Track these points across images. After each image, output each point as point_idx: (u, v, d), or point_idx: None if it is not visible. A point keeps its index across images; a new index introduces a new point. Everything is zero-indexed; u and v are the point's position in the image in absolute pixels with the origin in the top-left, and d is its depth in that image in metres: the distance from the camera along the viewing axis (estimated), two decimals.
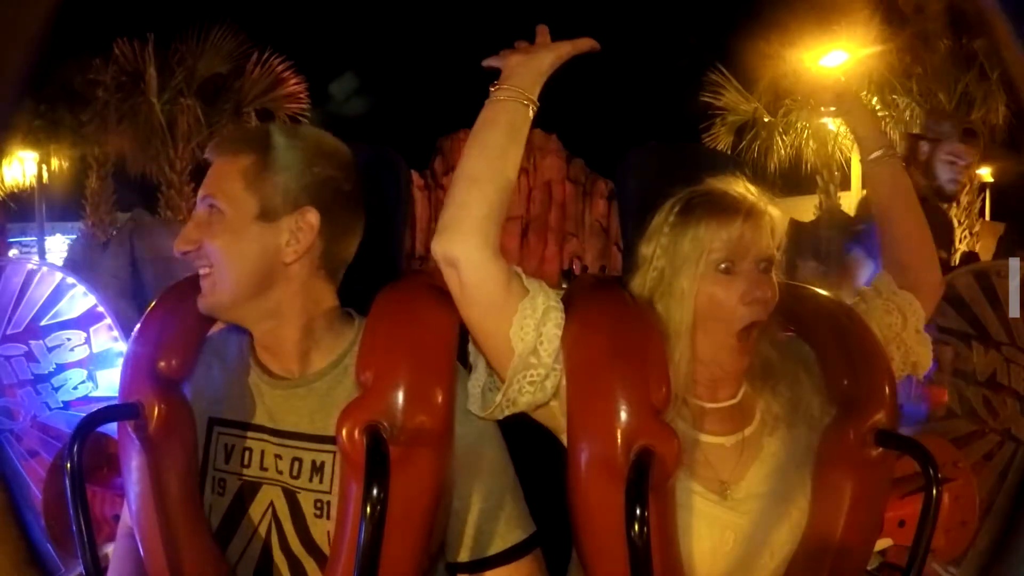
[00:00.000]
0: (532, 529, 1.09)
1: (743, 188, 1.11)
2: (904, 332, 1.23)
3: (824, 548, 1.06)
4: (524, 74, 1.07)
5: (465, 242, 1.01)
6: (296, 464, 1.07)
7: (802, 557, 1.08)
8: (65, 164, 10.78)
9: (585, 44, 1.12)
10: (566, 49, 1.10)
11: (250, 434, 1.10)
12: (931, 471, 0.98)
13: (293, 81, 11.11)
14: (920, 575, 0.99)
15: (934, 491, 0.98)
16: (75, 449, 0.96)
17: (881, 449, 1.05)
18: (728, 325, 1.07)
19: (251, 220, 1.04)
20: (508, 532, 1.07)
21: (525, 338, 1.03)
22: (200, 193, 1.07)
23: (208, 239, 1.04)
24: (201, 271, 1.06)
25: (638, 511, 0.86)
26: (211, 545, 1.08)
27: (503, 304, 1.03)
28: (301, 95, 11.16)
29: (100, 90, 10.29)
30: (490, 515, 1.07)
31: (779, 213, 1.11)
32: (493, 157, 1.04)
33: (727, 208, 1.08)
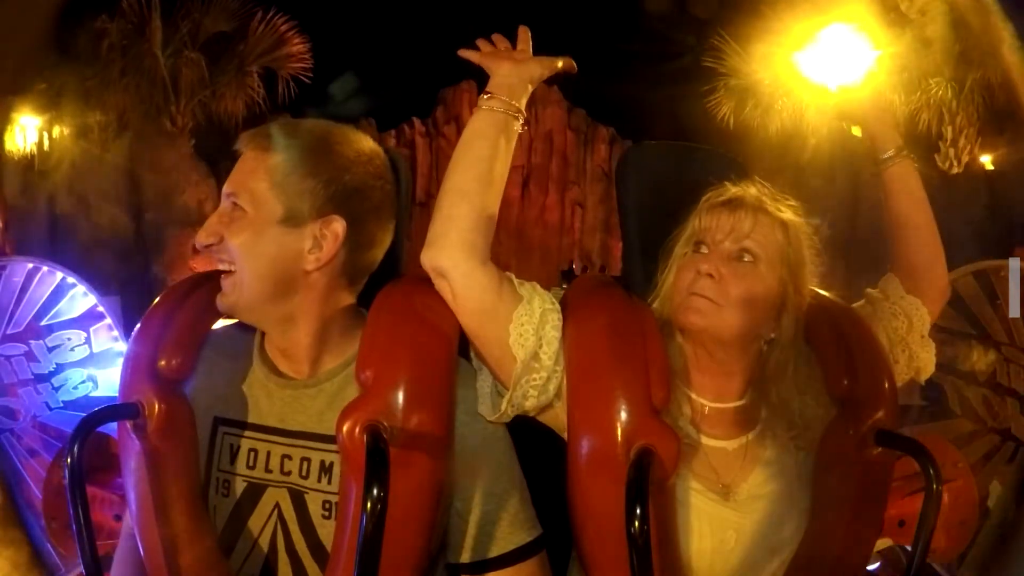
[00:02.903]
0: (537, 532, 1.08)
1: (752, 189, 1.12)
2: (909, 337, 1.24)
3: (824, 548, 1.06)
4: (516, 85, 1.10)
5: (452, 254, 1.03)
6: (305, 464, 1.06)
7: (802, 557, 1.08)
8: (67, 131, 10.68)
9: (570, 64, 1.17)
10: (555, 65, 1.15)
11: (257, 435, 1.09)
12: (931, 471, 0.98)
13: (296, 41, 11.12)
14: (920, 575, 0.99)
15: (934, 491, 0.98)
16: (75, 449, 0.96)
17: (881, 449, 1.05)
18: (680, 295, 1.09)
19: (274, 223, 1.03)
20: (511, 534, 1.06)
21: (526, 344, 1.03)
22: (226, 187, 1.05)
23: (229, 236, 1.03)
24: (222, 266, 1.05)
25: (638, 510, 0.86)
26: (212, 546, 1.08)
27: (495, 311, 1.04)
28: (304, 55, 11.15)
29: (105, 44, 10.22)
30: (493, 517, 1.06)
31: (777, 221, 1.10)
32: (482, 170, 1.06)
33: (716, 196, 1.11)
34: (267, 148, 1.04)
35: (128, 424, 1.08)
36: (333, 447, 1.03)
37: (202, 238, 1.04)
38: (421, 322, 1.05)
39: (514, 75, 1.10)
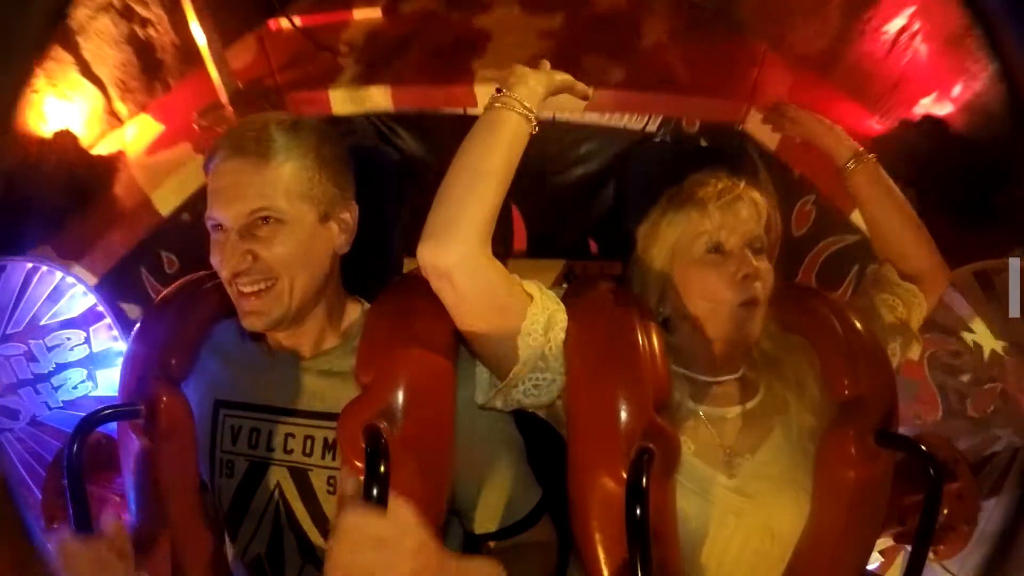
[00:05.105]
0: (540, 491, 1.14)
1: (724, 178, 1.14)
2: (907, 324, 1.26)
3: (824, 548, 1.06)
4: (532, 86, 1.04)
5: (459, 248, 0.94)
6: (308, 442, 1.08)
7: (802, 556, 1.07)
8: None
9: (584, 93, 1.15)
10: (574, 86, 1.12)
11: (258, 415, 1.11)
12: (931, 471, 0.98)
13: None
14: (920, 575, 0.99)
15: (935, 491, 0.98)
16: (75, 449, 0.96)
17: (881, 449, 1.05)
18: (729, 303, 1.09)
19: (314, 223, 1.04)
20: (528, 496, 1.12)
21: (534, 344, 1.02)
22: (239, 206, 0.99)
23: (269, 249, 1.00)
24: (251, 288, 1.02)
25: (638, 510, 0.86)
26: (211, 544, 1.08)
27: (505, 308, 1.01)
28: None
29: None
30: (512, 483, 1.10)
31: (762, 199, 1.12)
32: (488, 165, 0.98)
33: (708, 194, 1.11)
34: (275, 155, 1.01)
35: (128, 424, 1.08)
36: (335, 424, 1.03)
37: (235, 265, 0.99)
38: (421, 322, 1.05)
39: (532, 77, 1.05)
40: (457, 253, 0.94)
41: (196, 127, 2.05)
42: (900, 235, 1.30)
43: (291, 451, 1.08)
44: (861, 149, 1.32)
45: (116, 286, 1.95)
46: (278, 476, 1.09)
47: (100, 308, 1.84)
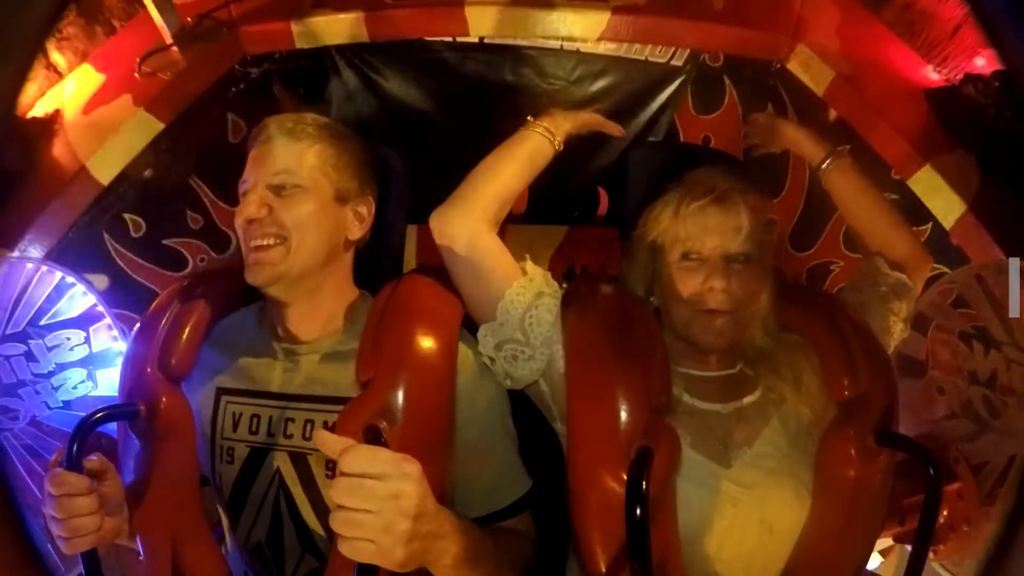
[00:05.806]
0: (530, 482, 1.15)
1: (718, 179, 1.14)
2: (900, 312, 1.29)
3: (824, 547, 1.06)
4: (562, 122, 1.22)
5: (467, 224, 1.12)
6: (308, 426, 1.09)
7: (802, 556, 1.07)
8: None
9: (618, 131, 1.36)
10: (605, 124, 1.32)
11: (259, 401, 1.12)
12: (931, 471, 0.98)
13: None
14: (920, 575, 0.99)
15: (935, 491, 0.98)
16: (75, 449, 0.96)
17: (881, 449, 1.05)
18: (690, 307, 1.11)
19: (329, 199, 1.13)
20: (515, 487, 1.13)
21: (512, 311, 1.09)
22: (266, 171, 1.11)
23: (285, 209, 1.09)
24: (262, 241, 1.09)
25: (638, 510, 0.86)
26: (211, 543, 1.08)
27: (492, 276, 1.10)
28: None
29: None
30: (502, 472, 1.12)
31: (750, 205, 1.12)
32: (512, 163, 1.17)
33: (687, 199, 1.12)
34: (306, 138, 1.13)
35: (128, 424, 1.08)
36: (336, 407, 1.04)
37: (252, 212, 1.08)
38: (421, 322, 1.05)
39: (559, 115, 1.23)
40: (462, 227, 1.12)
41: (138, 75, 1.71)
42: (882, 225, 1.33)
43: (291, 435, 1.09)
44: (831, 146, 1.36)
45: (76, 255, 1.79)
46: (278, 461, 1.09)
47: (100, 308, 1.83)
